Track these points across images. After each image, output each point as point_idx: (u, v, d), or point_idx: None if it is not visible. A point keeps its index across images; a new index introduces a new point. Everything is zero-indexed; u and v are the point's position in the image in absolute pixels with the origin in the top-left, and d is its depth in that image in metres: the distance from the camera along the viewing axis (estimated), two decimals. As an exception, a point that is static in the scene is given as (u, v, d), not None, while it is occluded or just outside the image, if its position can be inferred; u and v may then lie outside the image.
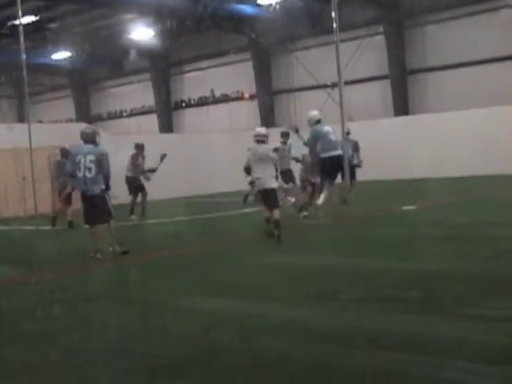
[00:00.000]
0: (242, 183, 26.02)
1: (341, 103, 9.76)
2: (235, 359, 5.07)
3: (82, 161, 10.51)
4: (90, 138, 10.82)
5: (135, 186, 17.50)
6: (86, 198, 10.68)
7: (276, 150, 12.75)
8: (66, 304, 7.48)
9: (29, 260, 11.08)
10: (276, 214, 11.15)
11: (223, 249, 11.63)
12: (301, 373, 4.62)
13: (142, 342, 5.79)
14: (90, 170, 10.48)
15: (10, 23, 28.03)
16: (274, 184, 11.50)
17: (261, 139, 11.64)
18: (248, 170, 11.82)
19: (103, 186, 10.61)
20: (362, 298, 6.78)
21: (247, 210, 17.62)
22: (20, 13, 13.53)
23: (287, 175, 16.99)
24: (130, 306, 7.26)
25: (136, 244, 12.86)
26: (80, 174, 10.54)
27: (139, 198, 17.59)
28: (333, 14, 8.93)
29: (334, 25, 9.06)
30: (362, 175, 17.77)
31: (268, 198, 11.29)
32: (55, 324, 6.60)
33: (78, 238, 13.91)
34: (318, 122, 13.74)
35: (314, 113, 14.03)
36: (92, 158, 10.49)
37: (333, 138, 13.39)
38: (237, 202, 19.92)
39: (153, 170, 17.50)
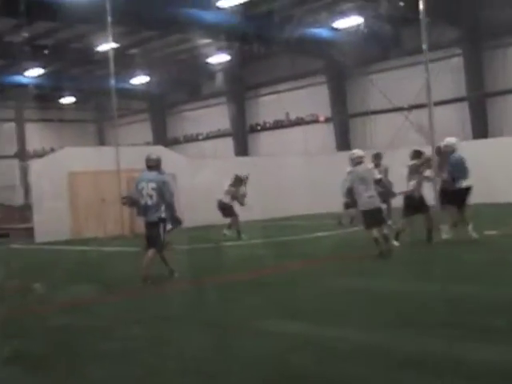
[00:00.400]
0: (317, 206, 26.17)
1: (431, 125, 9.63)
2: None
3: (145, 188, 10.59)
4: (154, 165, 10.89)
5: (228, 211, 17.77)
6: (146, 224, 10.82)
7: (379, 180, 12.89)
8: (144, 324, 7.57)
9: (107, 280, 11.27)
10: (385, 229, 11.94)
11: (300, 271, 11.57)
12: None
13: (219, 363, 5.80)
14: (151, 197, 10.56)
15: (94, 50, 28.94)
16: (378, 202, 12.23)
17: (359, 160, 12.16)
18: (349, 192, 12.29)
19: (162, 215, 10.61)
20: (444, 324, 6.62)
21: (323, 234, 17.53)
22: (111, 38, 13.88)
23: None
24: (207, 328, 7.29)
25: (213, 266, 12.97)
26: (142, 201, 10.63)
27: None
28: (422, 35, 8.85)
29: (424, 46, 8.98)
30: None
31: (377, 215, 11.90)
32: (134, 344, 6.68)
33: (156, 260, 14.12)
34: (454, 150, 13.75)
35: (453, 140, 13.93)
36: (153, 185, 10.55)
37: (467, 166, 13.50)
38: (313, 225, 19.86)
39: (244, 196, 17.76)
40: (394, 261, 11.75)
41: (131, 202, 11.20)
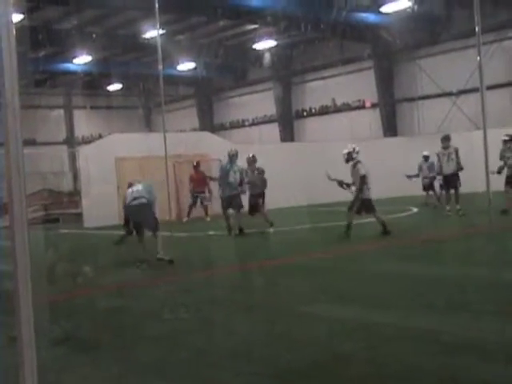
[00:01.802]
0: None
1: (483, 109, 9.47)
2: (361, 368, 5.01)
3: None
4: None
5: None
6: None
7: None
8: (192, 307, 7.64)
9: (155, 264, 11.37)
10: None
11: (347, 256, 11.55)
12: (429, 384, 4.51)
13: (267, 346, 5.82)
14: None
15: (142, 37, 29.13)
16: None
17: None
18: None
19: None
20: (497, 310, 6.53)
21: (368, 219, 17.41)
22: (158, 25, 13.93)
23: (450, 179, 16.96)
24: (255, 311, 7.33)
25: (259, 251, 13.02)
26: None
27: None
28: (475, 17, 8.67)
29: (476, 28, 8.79)
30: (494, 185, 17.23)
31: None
32: (182, 326, 6.74)
33: (203, 243, 14.25)
34: None
35: None
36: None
37: None
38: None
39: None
40: (444, 245, 11.64)
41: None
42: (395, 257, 11.07)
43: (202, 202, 22.14)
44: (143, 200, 11.39)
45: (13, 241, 2.83)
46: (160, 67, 13.71)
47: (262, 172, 16.75)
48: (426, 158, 20.55)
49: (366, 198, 13.82)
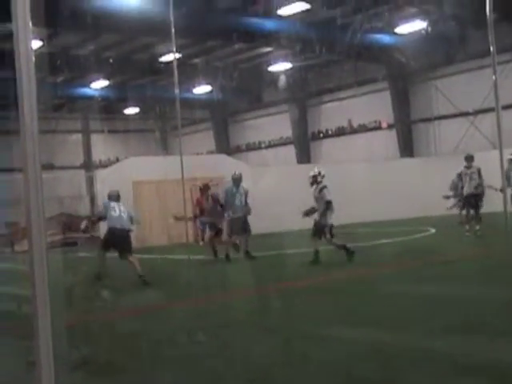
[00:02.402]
0: (380, 213, 25.92)
1: (499, 129, 9.43)
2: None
3: None
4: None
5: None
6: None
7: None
8: (209, 330, 7.61)
9: (172, 287, 11.38)
10: None
11: (364, 278, 11.49)
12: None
13: (285, 369, 5.79)
14: None
15: (159, 61, 29.39)
16: None
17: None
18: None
19: None
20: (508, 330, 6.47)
21: (387, 240, 17.36)
22: (174, 49, 14.02)
23: (472, 199, 16.91)
24: (273, 334, 7.29)
25: (280, 272, 12.98)
26: None
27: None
28: (490, 37, 8.65)
29: (491, 48, 8.77)
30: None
31: None
32: (199, 349, 6.72)
33: (222, 268, 14.24)
34: None
35: None
36: None
37: None
38: (377, 232, 19.67)
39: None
40: (461, 266, 11.55)
41: None
42: (409, 278, 10.99)
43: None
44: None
45: (32, 265, 2.83)
46: (176, 91, 13.77)
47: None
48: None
49: (329, 224, 13.55)
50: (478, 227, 16.70)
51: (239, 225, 15.67)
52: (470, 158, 17.17)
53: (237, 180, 16.15)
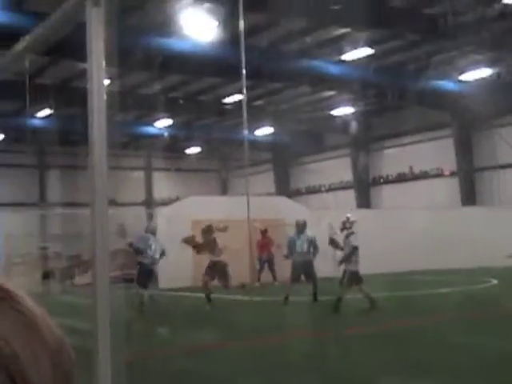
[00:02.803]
0: (440, 261, 25.46)
1: None
2: None
3: None
4: None
5: None
6: None
7: None
8: (264, 372, 7.55)
9: (229, 327, 11.35)
10: None
11: (426, 327, 11.26)
12: None
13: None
14: None
15: (223, 101, 29.82)
16: None
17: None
18: None
19: None
20: None
21: (448, 290, 17.03)
22: (244, 91, 14.25)
23: None
24: (330, 380, 7.19)
25: (342, 318, 12.85)
26: None
27: None
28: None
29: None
30: None
31: None
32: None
33: (278, 310, 14.14)
34: None
35: None
36: None
37: None
38: (438, 280, 19.34)
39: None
40: None
41: None
42: (466, 330, 10.72)
43: (269, 267, 22.24)
44: None
45: (95, 298, 2.86)
46: (245, 132, 13.97)
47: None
48: None
49: (354, 271, 13.59)
50: None
51: (302, 270, 15.74)
52: None
53: (300, 226, 16.22)
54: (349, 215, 14.39)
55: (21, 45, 3.59)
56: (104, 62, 2.92)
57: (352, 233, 13.91)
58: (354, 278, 13.51)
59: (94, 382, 2.77)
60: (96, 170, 2.93)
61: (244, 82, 13.80)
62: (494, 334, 10.17)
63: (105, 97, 2.95)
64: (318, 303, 15.34)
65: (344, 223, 14.13)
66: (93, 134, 2.92)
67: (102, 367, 2.81)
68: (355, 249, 13.59)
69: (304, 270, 15.74)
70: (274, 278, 21.99)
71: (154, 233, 14.48)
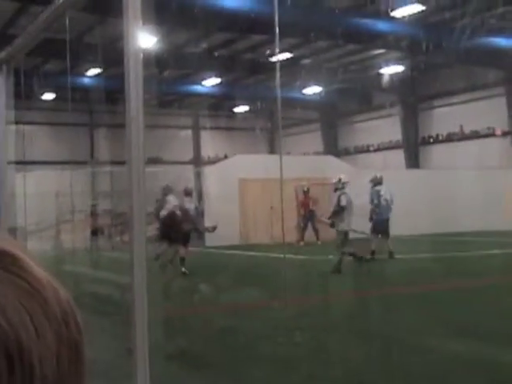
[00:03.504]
0: (490, 223, 25.13)
1: None
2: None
3: None
4: None
5: None
6: None
7: None
8: (306, 331, 7.62)
9: (272, 286, 11.43)
10: None
11: (470, 289, 11.17)
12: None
13: (382, 377, 5.72)
14: None
15: (268, 60, 29.63)
16: None
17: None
18: None
19: None
20: None
21: (498, 251, 16.84)
22: (277, 50, 14.14)
23: None
24: (369, 340, 7.22)
25: (377, 278, 12.85)
26: None
27: None
28: None
29: None
30: None
31: None
32: (295, 350, 6.74)
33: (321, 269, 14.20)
34: None
35: None
36: None
37: None
38: (487, 242, 19.12)
39: None
40: None
41: None
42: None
43: (313, 227, 22.22)
44: None
45: (131, 255, 2.92)
46: (278, 91, 13.93)
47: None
48: None
49: (343, 231, 13.84)
50: None
51: (384, 226, 16.11)
52: None
53: (377, 181, 16.62)
54: (342, 176, 14.68)
55: (58, 2, 3.61)
56: (141, 21, 2.93)
57: (344, 193, 14.18)
58: (344, 238, 13.73)
59: (133, 335, 2.83)
60: (133, 128, 2.96)
61: (277, 40, 13.73)
62: None
63: (141, 56, 2.97)
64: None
65: (336, 184, 14.47)
66: (129, 93, 2.95)
67: (138, 321, 2.87)
68: (342, 208, 13.80)
69: (383, 226, 16.13)
70: (317, 237, 21.99)
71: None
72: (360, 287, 11.92)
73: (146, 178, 2.97)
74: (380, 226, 16.06)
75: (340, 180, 14.39)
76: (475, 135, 34.20)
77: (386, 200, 16.36)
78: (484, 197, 25.73)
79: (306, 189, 22.57)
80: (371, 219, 16.33)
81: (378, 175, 16.94)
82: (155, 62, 24.84)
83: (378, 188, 16.57)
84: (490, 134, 33.48)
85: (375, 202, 16.31)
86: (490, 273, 13.32)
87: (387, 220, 16.31)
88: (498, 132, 33.01)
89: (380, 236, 16.17)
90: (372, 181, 16.83)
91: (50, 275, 0.63)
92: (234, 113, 43.05)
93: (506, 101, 31.90)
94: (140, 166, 2.95)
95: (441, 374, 5.71)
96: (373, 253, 15.80)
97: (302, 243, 21.60)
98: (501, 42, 27.89)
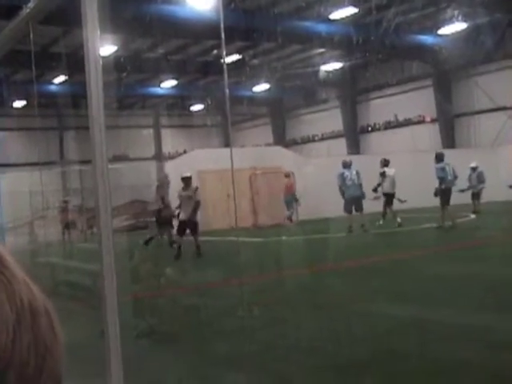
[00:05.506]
0: (426, 199, 25.46)
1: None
2: (415, 363, 4.93)
3: None
4: None
5: None
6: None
7: None
8: (264, 306, 7.66)
9: (232, 266, 11.46)
10: None
11: (407, 260, 11.35)
12: (482, 381, 4.40)
13: (329, 342, 5.80)
14: None
15: (220, 62, 29.52)
16: None
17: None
18: None
19: None
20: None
21: (432, 225, 17.15)
22: (224, 53, 14.14)
23: None
24: (318, 310, 7.30)
25: (327, 253, 12.97)
26: None
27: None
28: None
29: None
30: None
31: None
32: (253, 323, 6.77)
33: (274, 248, 14.27)
34: None
35: None
36: None
37: None
38: (423, 218, 19.46)
39: None
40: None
41: None
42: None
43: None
44: None
45: (100, 244, 2.92)
46: (226, 90, 13.91)
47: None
48: None
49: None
50: None
51: (355, 204, 16.47)
52: None
53: (346, 164, 17.01)
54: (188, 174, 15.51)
55: (22, 14, 3.57)
56: (99, 30, 2.92)
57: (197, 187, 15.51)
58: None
59: (104, 317, 2.83)
60: (95, 128, 2.96)
61: (223, 44, 13.71)
62: (468, 261, 10.26)
63: (101, 62, 2.96)
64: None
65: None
66: (91, 96, 2.94)
67: (108, 304, 2.87)
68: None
69: (356, 203, 16.54)
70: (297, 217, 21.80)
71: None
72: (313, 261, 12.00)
73: (110, 174, 2.96)
74: (351, 203, 16.44)
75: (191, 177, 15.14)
76: (408, 122, 34.73)
77: (352, 180, 16.64)
78: (417, 177, 26.08)
79: (288, 174, 22.12)
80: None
81: (348, 159, 17.56)
82: (116, 68, 24.60)
83: (344, 171, 16.86)
84: (421, 121, 34.01)
85: (345, 183, 16.64)
86: (425, 244, 13.56)
87: (358, 198, 16.61)
88: (428, 119, 33.57)
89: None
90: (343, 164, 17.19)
91: (29, 277, 0.59)
92: (190, 111, 42.90)
93: (433, 91, 32.41)
94: (103, 163, 2.94)
95: (384, 334, 5.81)
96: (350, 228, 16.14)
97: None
98: (427, 39, 28.34)
